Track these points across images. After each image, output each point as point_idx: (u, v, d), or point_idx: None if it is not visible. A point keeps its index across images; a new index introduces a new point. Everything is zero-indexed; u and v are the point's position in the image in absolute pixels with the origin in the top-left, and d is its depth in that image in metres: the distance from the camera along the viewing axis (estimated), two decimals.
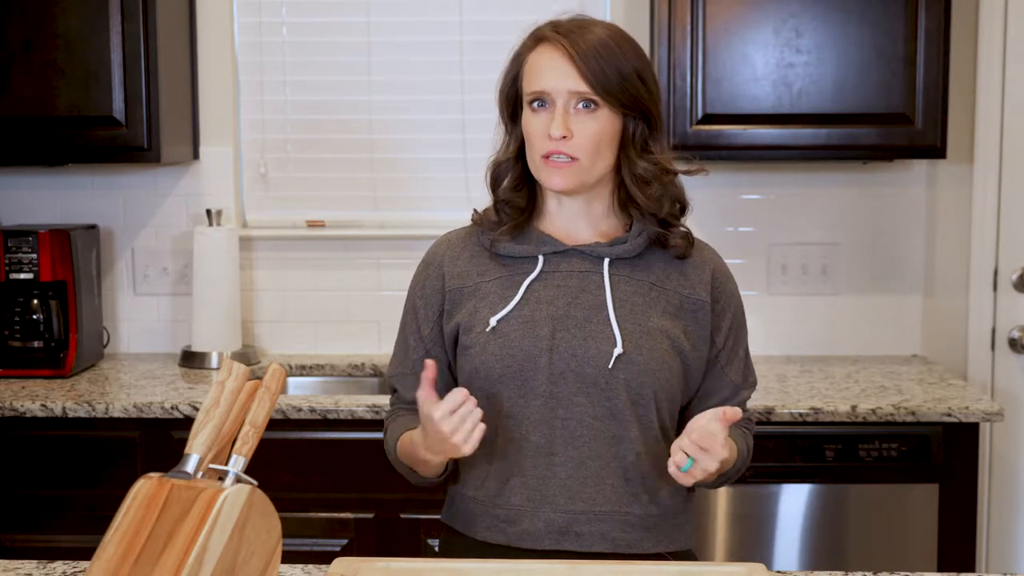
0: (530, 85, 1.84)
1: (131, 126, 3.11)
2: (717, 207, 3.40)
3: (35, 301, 3.21)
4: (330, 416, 2.86)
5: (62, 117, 3.11)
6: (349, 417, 2.86)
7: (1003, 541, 3.36)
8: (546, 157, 1.83)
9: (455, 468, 1.92)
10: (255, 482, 1.46)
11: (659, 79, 3.00)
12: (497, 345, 1.84)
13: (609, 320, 1.84)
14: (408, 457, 1.88)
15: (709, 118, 3.06)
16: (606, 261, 1.88)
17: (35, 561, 1.83)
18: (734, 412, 1.73)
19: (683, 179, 1.93)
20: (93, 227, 3.38)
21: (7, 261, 3.18)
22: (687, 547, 1.93)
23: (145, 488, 1.44)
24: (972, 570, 2.94)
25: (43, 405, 2.89)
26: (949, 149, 3.12)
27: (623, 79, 1.81)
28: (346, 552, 2.85)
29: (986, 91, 3.30)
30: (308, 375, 3.39)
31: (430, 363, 1.74)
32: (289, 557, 1.68)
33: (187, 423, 2.35)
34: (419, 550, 2.83)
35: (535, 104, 1.84)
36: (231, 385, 1.49)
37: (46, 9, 3.07)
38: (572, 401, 1.83)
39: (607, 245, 1.88)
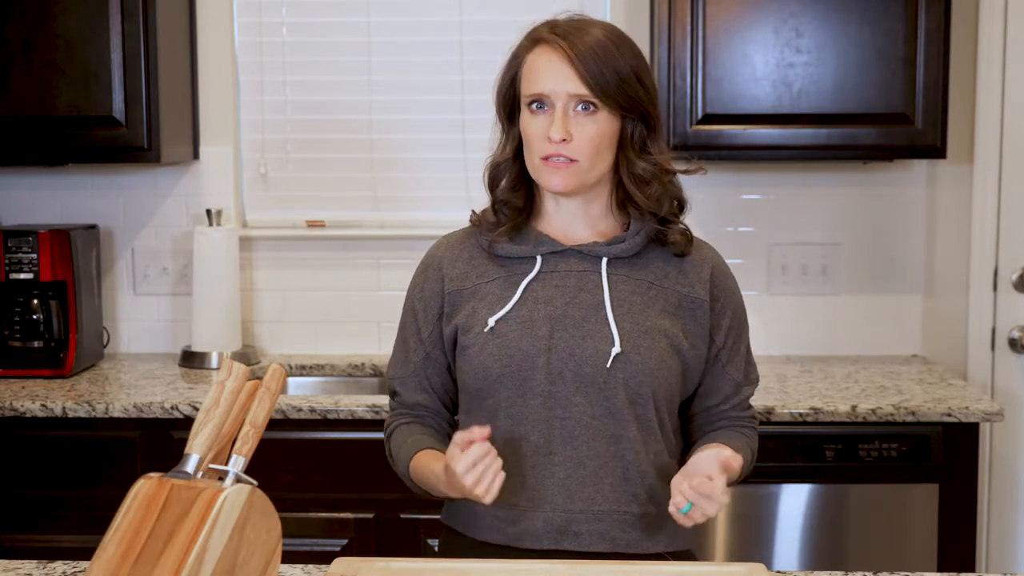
0: (529, 87, 1.84)
1: (131, 126, 3.11)
2: (717, 207, 3.40)
3: (35, 301, 3.21)
4: (330, 416, 2.86)
5: (62, 117, 3.11)
6: (349, 417, 2.86)
7: (1003, 541, 3.36)
8: (545, 159, 1.83)
9: None
10: (255, 482, 1.46)
11: (659, 79, 3.02)
12: (495, 345, 1.84)
13: (607, 319, 1.84)
14: (426, 484, 1.88)
15: (709, 118, 3.06)
16: (604, 260, 1.88)
17: (35, 561, 1.83)
18: (735, 459, 1.74)
19: (683, 179, 1.94)
20: (93, 227, 3.38)
21: (7, 261, 3.18)
22: (686, 547, 1.93)
23: (145, 488, 1.44)
24: (972, 570, 2.94)
25: (43, 405, 2.89)
26: (949, 149, 3.12)
27: (622, 81, 1.81)
28: (346, 552, 2.85)
29: (986, 91, 3.30)
30: (308, 375, 3.39)
31: (484, 430, 1.73)
32: (289, 557, 1.68)
33: (187, 423, 2.35)
34: (419, 550, 2.83)
35: (534, 106, 1.84)
36: (231, 385, 1.49)
37: (46, 9, 3.07)
38: (570, 401, 1.83)
39: (605, 244, 1.88)
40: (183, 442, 1.48)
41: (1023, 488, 3.36)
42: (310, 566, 1.80)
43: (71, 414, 2.88)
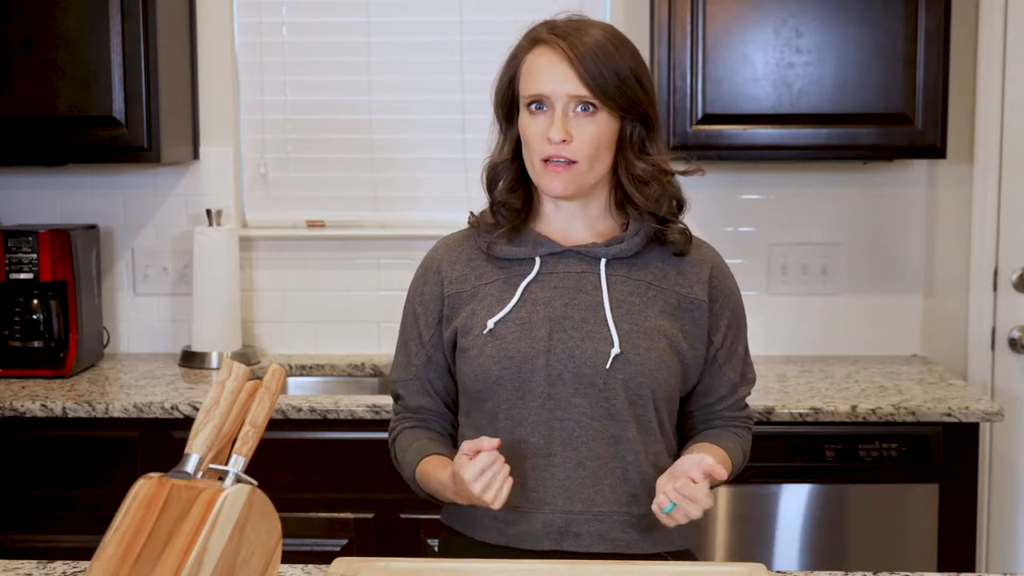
0: (528, 88, 1.84)
1: (131, 126, 3.11)
2: (717, 207, 3.40)
3: (35, 301, 3.21)
4: (330, 416, 2.86)
5: (62, 117, 3.11)
6: (349, 417, 2.86)
7: (1003, 541, 3.36)
8: (545, 161, 1.82)
9: None
10: (255, 482, 1.46)
11: (659, 79, 3.02)
12: (494, 347, 1.84)
13: (606, 320, 1.84)
14: (431, 489, 1.88)
15: (709, 118, 3.06)
16: (603, 261, 1.88)
17: (35, 561, 1.83)
18: (716, 469, 1.73)
19: (682, 179, 1.94)
20: (93, 227, 3.38)
21: (7, 261, 3.18)
22: (686, 547, 1.93)
23: (145, 488, 1.44)
24: (972, 570, 2.94)
25: (43, 405, 2.89)
26: (949, 149, 3.12)
27: (621, 82, 1.81)
28: (346, 552, 2.85)
29: (986, 91, 3.30)
30: (308, 375, 3.39)
31: (494, 442, 1.73)
32: (289, 557, 1.68)
33: (187, 423, 2.35)
34: (419, 550, 2.83)
35: (533, 107, 1.84)
36: (231, 385, 1.49)
37: (46, 9, 3.07)
38: (570, 402, 1.83)
39: (604, 245, 1.88)
40: (183, 442, 1.48)
41: (1023, 488, 3.36)
42: (310, 566, 1.80)
43: (71, 414, 2.88)
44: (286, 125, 3.51)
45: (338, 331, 3.50)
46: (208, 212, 3.35)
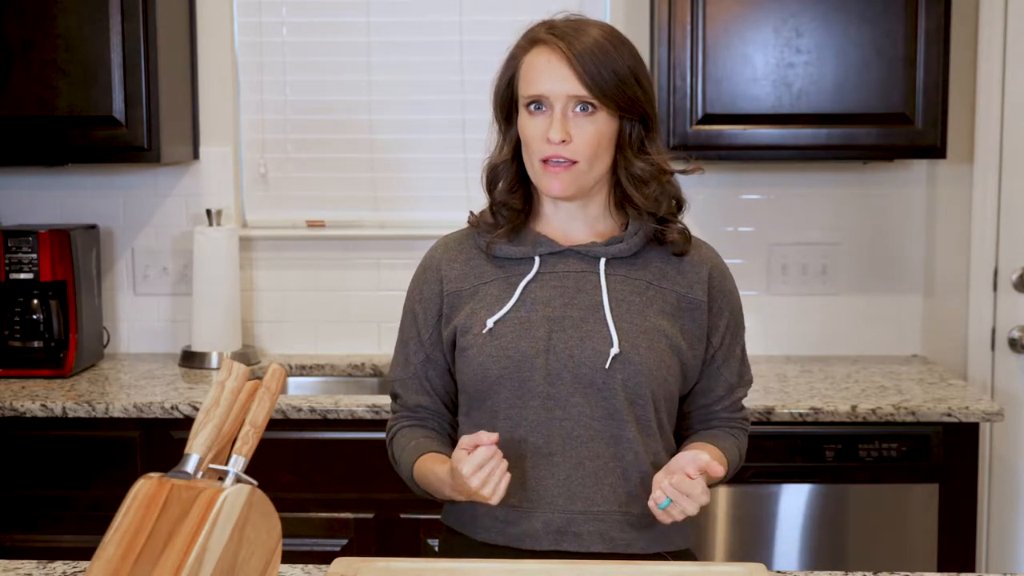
0: (527, 88, 1.84)
1: (131, 126, 3.11)
2: (717, 207, 3.40)
3: (35, 301, 3.21)
4: (330, 416, 2.86)
5: (62, 117, 3.11)
6: (349, 417, 2.86)
7: (1003, 541, 3.36)
8: (545, 161, 1.82)
9: None
10: (255, 482, 1.46)
11: (659, 79, 3.02)
12: (494, 347, 1.84)
13: (605, 320, 1.84)
14: (429, 487, 1.88)
15: (709, 118, 3.06)
16: (602, 261, 1.88)
17: (35, 561, 1.83)
18: (712, 466, 1.73)
19: (682, 179, 1.94)
20: (93, 227, 3.38)
21: (7, 261, 3.18)
22: (686, 547, 1.93)
23: (145, 488, 1.44)
24: (972, 570, 2.94)
25: (43, 405, 2.89)
26: (949, 149, 3.12)
27: (620, 81, 1.81)
28: (346, 552, 2.85)
29: (986, 91, 3.30)
30: (308, 375, 3.39)
31: (492, 436, 1.73)
32: (289, 557, 1.68)
33: (187, 423, 2.35)
34: (419, 550, 2.83)
35: (532, 107, 1.83)
36: (231, 385, 1.49)
37: (46, 9, 3.07)
38: (569, 402, 1.83)
39: (603, 245, 1.88)
40: (183, 442, 1.48)
41: (1023, 488, 3.36)
42: (310, 566, 1.80)
43: (71, 414, 2.88)
44: (286, 125, 3.51)
45: (338, 331, 3.50)
46: (208, 212, 3.35)
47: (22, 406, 2.89)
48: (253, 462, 1.47)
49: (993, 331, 3.37)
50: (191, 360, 3.32)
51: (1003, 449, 3.35)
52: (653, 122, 1.87)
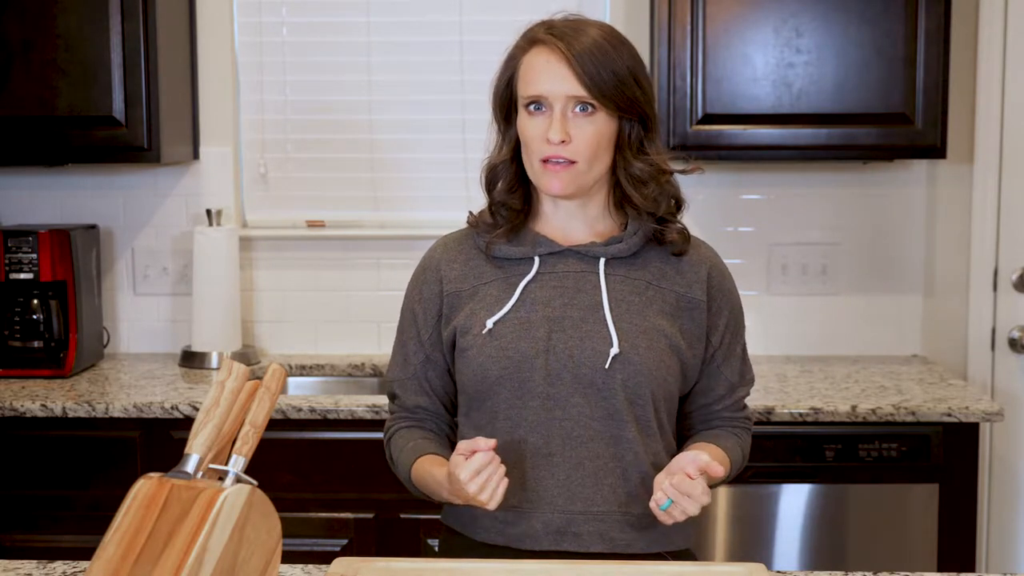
0: (526, 88, 1.83)
1: (131, 126, 3.11)
2: (717, 207, 3.40)
3: (35, 301, 3.21)
4: (330, 416, 2.86)
5: (62, 117, 3.11)
6: (349, 417, 2.86)
7: (1003, 541, 3.36)
8: (544, 161, 1.82)
9: None
10: (255, 482, 1.46)
11: (659, 79, 3.02)
12: (493, 347, 1.84)
13: (605, 320, 1.84)
14: (426, 489, 1.88)
15: (709, 118, 3.06)
16: (601, 261, 1.87)
17: (35, 561, 1.83)
18: (712, 466, 1.73)
19: (682, 179, 1.94)
20: (93, 227, 3.38)
21: (7, 261, 3.18)
22: (686, 547, 1.93)
23: (145, 488, 1.44)
24: (972, 570, 2.94)
25: (43, 405, 2.89)
26: (949, 149, 3.12)
27: (619, 82, 1.81)
28: (346, 552, 2.85)
29: (986, 91, 3.30)
30: (308, 375, 3.39)
31: (490, 442, 1.73)
32: (289, 557, 1.68)
33: (187, 423, 2.35)
34: (419, 550, 2.83)
35: (531, 107, 1.83)
36: (231, 385, 1.49)
37: (46, 9, 3.07)
38: (569, 402, 1.83)
39: (603, 245, 1.88)
40: (183, 442, 1.48)
41: (1023, 488, 3.36)
42: (310, 566, 1.80)
43: (71, 414, 2.88)
44: (286, 125, 3.51)
45: (338, 331, 3.50)
46: (208, 212, 3.35)
47: (22, 406, 2.89)
48: (253, 462, 1.47)
49: (993, 331, 3.37)
50: (191, 360, 3.32)
51: (1003, 449, 3.35)
52: (652, 122, 1.87)
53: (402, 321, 1.98)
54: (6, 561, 1.83)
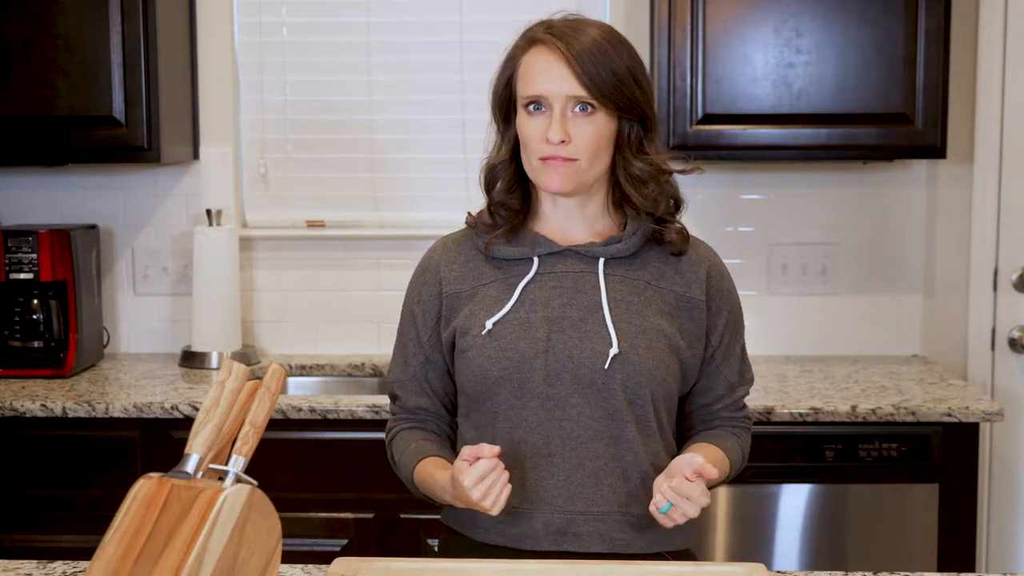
0: (525, 88, 1.83)
1: (131, 126, 3.11)
2: (717, 207, 3.40)
3: (35, 301, 3.21)
4: (330, 416, 2.86)
5: (62, 117, 3.11)
6: (349, 417, 2.86)
7: (1003, 541, 3.36)
8: (544, 159, 1.82)
9: None
10: (255, 482, 1.46)
11: (659, 79, 3.02)
12: (493, 348, 1.84)
13: (605, 320, 1.84)
14: (429, 491, 1.88)
15: (709, 118, 3.06)
16: (601, 261, 1.87)
17: (35, 561, 1.83)
18: (706, 468, 1.73)
19: (683, 179, 1.94)
20: (93, 227, 3.38)
21: (7, 261, 3.18)
22: (686, 547, 1.93)
23: (145, 488, 1.44)
24: (972, 570, 2.94)
25: (43, 405, 2.89)
26: (949, 149, 3.12)
27: (619, 81, 1.81)
28: (346, 552, 2.85)
29: (986, 91, 3.30)
30: (308, 375, 3.39)
31: (495, 449, 1.73)
32: (289, 557, 1.68)
33: (187, 423, 2.35)
34: (419, 550, 2.83)
35: (531, 107, 1.83)
36: (231, 385, 1.49)
37: (46, 9, 3.07)
38: (569, 402, 1.83)
39: (602, 245, 1.88)
40: (183, 442, 1.48)
41: (1023, 488, 3.36)
42: (310, 566, 1.80)
43: (71, 414, 2.88)
44: (286, 125, 3.51)
45: (338, 331, 3.50)
46: (208, 212, 3.35)
47: (22, 406, 2.89)
48: (253, 462, 1.47)
49: (993, 331, 3.37)
50: (191, 360, 3.32)
51: (1003, 449, 3.35)
52: (652, 122, 1.87)
53: (402, 322, 1.98)
54: (6, 561, 1.83)
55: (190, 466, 1.45)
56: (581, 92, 1.80)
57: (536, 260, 1.88)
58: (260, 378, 1.52)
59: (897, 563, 2.85)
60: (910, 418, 2.81)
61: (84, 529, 2.70)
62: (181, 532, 1.38)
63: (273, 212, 3.54)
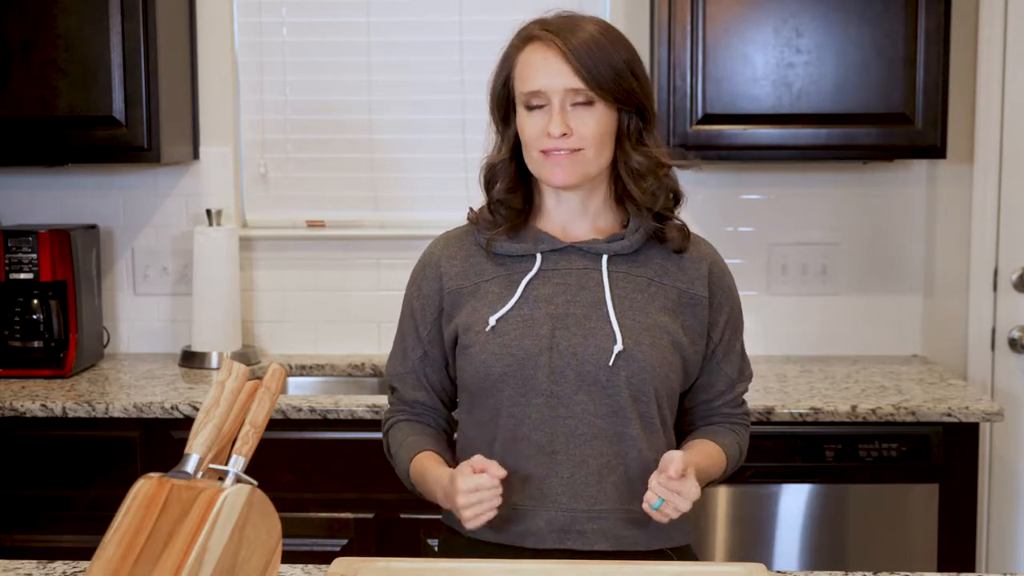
0: (524, 85, 1.83)
1: (131, 126, 3.11)
2: (717, 207, 3.40)
3: (35, 301, 3.21)
4: (330, 416, 2.86)
5: (62, 117, 3.11)
6: (349, 417, 2.86)
7: (1003, 541, 3.36)
8: (545, 152, 1.82)
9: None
10: (255, 482, 1.46)
11: (659, 79, 3.02)
12: (497, 345, 1.84)
13: (608, 317, 1.84)
14: (422, 485, 1.89)
15: (709, 118, 3.06)
16: (604, 258, 1.87)
17: (35, 561, 1.83)
18: (690, 464, 1.74)
19: (684, 180, 1.94)
20: (93, 227, 3.38)
21: (7, 261, 3.18)
22: (687, 542, 1.93)
23: (145, 488, 1.44)
24: (972, 570, 2.94)
25: (43, 405, 2.89)
26: (949, 149, 3.12)
27: (616, 74, 1.81)
28: (346, 552, 2.85)
29: (986, 91, 3.30)
30: (308, 375, 3.39)
31: (501, 472, 1.74)
32: (289, 557, 1.68)
33: (187, 423, 2.35)
34: (419, 550, 2.83)
35: (530, 104, 1.83)
36: (231, 385, 1.49)
37: (46, 9, 3.07)
38: (573, 400, 1.83)
39: (605, 242, 1.88)
40: (183, 442, 1.48)
41: (1023, 488, 3.36)
42: (310, 566, 1.80)
43: (71, 414, 2.88)
44: (286, 125, 3.51)
45: (338, 331, 3.50)
46: (208, 212, 3.35)
47: (22, 406, 2.89)
48: (253, 462, 1.47)
49: (993, 331, 3.37)
50: (191, 360, 3.32)
51: (1003, 449, 3.35)
52: (650, 114, 1.87)
53: (402, 316, 1.99)
54: (6, 561, 1.83)
55: (190, 466, 1.45)
56: (579, 85, 1.80)
57: (539, 256, 1.88)
58: (260, 378, 1.52)
59: (897, 563, 2.85)
60: (910, 418, 2.81)
61: (84, 529, 2.70)
62: (181, 532, 1.38)
63: (273, 212, 3.54)
